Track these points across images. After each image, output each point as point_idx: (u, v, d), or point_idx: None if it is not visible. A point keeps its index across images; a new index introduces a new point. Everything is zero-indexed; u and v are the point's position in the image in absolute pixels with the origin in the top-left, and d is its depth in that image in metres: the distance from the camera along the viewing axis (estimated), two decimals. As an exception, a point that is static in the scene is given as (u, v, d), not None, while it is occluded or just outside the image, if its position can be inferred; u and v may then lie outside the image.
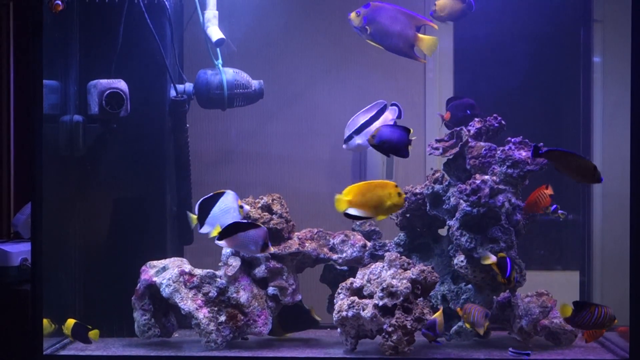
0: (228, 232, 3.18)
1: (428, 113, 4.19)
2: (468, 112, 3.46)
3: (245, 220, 3.28)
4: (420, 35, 3.18)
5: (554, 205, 3.28)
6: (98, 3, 3.52)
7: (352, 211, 3.07)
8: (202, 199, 3.27)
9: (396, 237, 3.58)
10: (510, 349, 3.13)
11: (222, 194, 3.27)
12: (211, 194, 3.27)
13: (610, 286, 3.73)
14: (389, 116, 3.43)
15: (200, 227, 3.26)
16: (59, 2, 3.14)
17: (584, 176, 3.05)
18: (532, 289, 3.40)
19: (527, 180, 3.34)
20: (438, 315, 3.07)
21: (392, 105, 3.43)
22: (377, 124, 3.33)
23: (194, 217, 3.25)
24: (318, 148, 4.16)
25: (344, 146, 3.41)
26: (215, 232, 3.19)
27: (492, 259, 3.15)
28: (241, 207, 3.26)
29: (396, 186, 3.07)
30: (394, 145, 3.15)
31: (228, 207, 3.25)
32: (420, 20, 3.18)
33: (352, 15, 3.16)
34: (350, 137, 3.36)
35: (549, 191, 3.27)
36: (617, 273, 3.30)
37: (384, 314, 3.13)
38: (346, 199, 3.06)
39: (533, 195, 3.29)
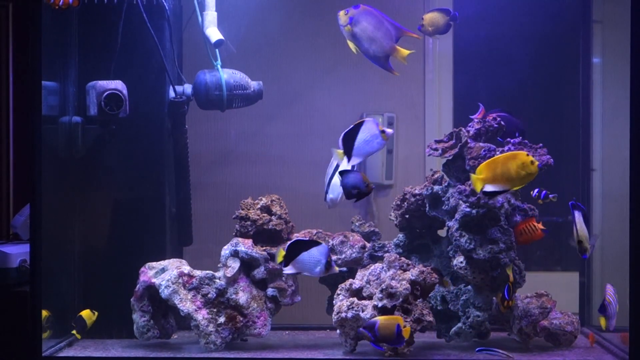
0: (292, 254, 3.10)
1: (427, 114, 4.19)
2: (517, 134, 3.44)
3: (305, 238, 3.26)
4: (398, 47, 3.18)
5: (544, 192, 3.30)
6: (97, 4, 3.52)
7: (489, 187, 3.03)
8: (344, 132, 3.14)
9: (395, 238, 3.58)
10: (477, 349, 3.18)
11: (362, 123, 3.13)
12: (352, 125, 3.14)
13: (610, 287, 3.72)
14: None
15: (349, 160, 3.14)
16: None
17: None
18: (531, 290, 3.40)
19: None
20: (386, 319, 3.02)
21: None
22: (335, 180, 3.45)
23: (339, 152, 3.13)
24: (317, 149, 4.15)
25: (326, 206, 3.48)
26: (280, 258, 3.12)
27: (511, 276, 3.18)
28: (383, 131, 3.11)
29: (527, 155, 3.03)
30: (353, 187, 3.18)
31: (371, 135, 3.11)
32: (403, 32, 3.18)
33: (341, 13, 3.18)
34: (325, 195, 3.45)
35: (540, 226, 3.29)
36: (616, 274, 3.30)
37: (383, 315, 3.12)
38: (480, 177, 3.02)
39: (521, 225, 3.30)
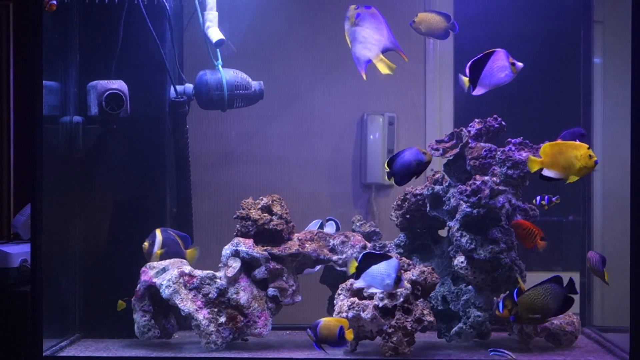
0: (363, 266, 3.02)
1: (428, 114, 4.19)
2: (577, 140, 3.42)
3: (376, 251, 3.22)
4: (382, 57, 3.19)
5: (546, 197, 3.30)
6: (98, 4, 3.52)
7: (547, 172, 2.98)
8: (472, 60, 3.08)
9: (396, 238, 3.58)
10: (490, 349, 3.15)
11: (493, 52, 3.06)
12: (481, 54, 3.08)
13: (611, 287, 3.71)
14: (329, 231, 3.59)
15: (473, 89, 3.07)
16: (54, 2, 3.14)
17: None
18: (532, 290, 3.40)
19: (527, 181, 3.34)
20: (328, 320, 3.01)
21: (328, 220, 3.62)
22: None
23: (465, 79, 3.06)
24: (318, 149, 4.16)
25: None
26: (352, 269, 3.06)
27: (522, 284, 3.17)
28: (513, 64, 3.04)
29: (589, 148, 2.98)
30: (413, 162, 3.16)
31: (500, 65, 3.05)
32: (393, 47, 3.20)
33: (352, 7, 3.20)
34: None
35: (543, 244, 3.28)
36: (617, 274, 3.30)
37: (384, 315, 3.13)
38: (542, 159, 2.99)
39: (524, 225, 3.30)
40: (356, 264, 3.03)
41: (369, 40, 3.17)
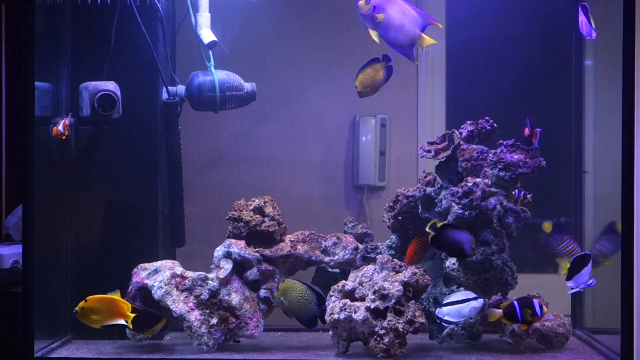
0: (578, 266, 3.09)
1: (420, 116, 4.19)
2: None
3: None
4: (424, 35, 3.18)
5: (522, 192, 3.32)
6: (90, 5, 3.51)
7: None
8: None
9: (388, 240, 3.58)
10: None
11: None
12: None
13: (602, 289, 3.73)
14: None
15: None
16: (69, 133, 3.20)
17: None
18: (524, 292, 3.40)
19: (519, 182, 3.34)
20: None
21: None
22: None
23: None
24: (310, 150, 4.16)
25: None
26: (564, 270, 3.09)
27: (498, 313, 3.17)
28: None
29: None
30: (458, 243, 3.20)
31: None
32: (429, 20, 3.16)
33: (362, 2, 3.11)
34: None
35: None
36: (608, 276, 3.31)
37: (375, 317, 3.13)
38: None
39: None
40: (568, 264, 3.08)
41: (406, 25, 3.11)
